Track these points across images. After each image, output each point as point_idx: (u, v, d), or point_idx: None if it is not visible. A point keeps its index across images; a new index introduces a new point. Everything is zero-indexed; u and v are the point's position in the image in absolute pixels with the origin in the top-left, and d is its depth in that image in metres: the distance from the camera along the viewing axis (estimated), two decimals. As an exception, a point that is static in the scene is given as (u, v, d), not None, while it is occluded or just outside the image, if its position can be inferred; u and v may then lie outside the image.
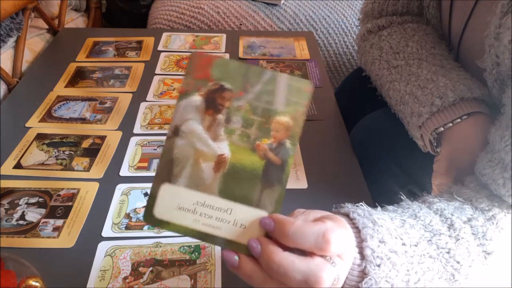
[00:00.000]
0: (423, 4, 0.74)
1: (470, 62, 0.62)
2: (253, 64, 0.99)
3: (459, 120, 0.59)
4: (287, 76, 0.41)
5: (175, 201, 0.41)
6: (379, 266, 0.42)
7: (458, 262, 0.46)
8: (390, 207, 0.49)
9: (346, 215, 0.45)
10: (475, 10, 0.61)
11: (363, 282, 0.42)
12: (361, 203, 0.47)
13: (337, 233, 0.39)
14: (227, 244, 0.40)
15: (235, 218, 0.40)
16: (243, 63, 0.42)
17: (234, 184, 0.41)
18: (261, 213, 0.40)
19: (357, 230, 0.44)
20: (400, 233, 0.45)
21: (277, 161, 0.41)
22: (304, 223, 0.39)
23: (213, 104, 0.42)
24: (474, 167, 0.54)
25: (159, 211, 0.41)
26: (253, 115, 0.42)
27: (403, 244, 0.44)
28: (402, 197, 0.52)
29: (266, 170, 0.41)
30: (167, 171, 0.41)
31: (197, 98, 0.42)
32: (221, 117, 0.42)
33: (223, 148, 0.42)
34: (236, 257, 0.39)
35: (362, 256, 0.43)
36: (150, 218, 0.41)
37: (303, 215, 0.41)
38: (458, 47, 0.67)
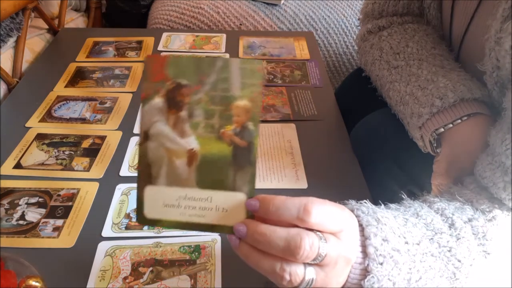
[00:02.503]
0: (423, 5, 0.74)
1: (471, 64, 0.62)
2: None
3: (459, 121, 0.58)
4: (238, 60, 0.42)
5: (160, 200, 0.44)
6: (381, 264, 0.43)
7: (459, 261, 0.46)
8: (392, 205, 0.50)
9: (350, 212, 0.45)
10: (477, 12, 0.61)
11: (365, 280, 0.42)
12: (365, 201, 0.47)
13: (319, 205, 0.39)
14: (213, 229, 0.43)
15: (216, 204, 0.43)
16: (193, 56, 0.43)
17: (208, 173, 0.43)
18: (238, 195, 0.43)
19: (361, 227, 0.44)
20: (403, 231, 0.45)
21: (244, 144, 0.43)
22: (287, 198, 0.40)
23: (174, 103, 0.43)
24: (474, 169, 0.54)
25: (149, 212, 0.44)
26: (212, 105, 0.43)
27: (406, 242, 0.44)
28: (403, 196, 0.52)
29: (235, 154, 0.43)
30: (146, 174, 0.44)
31: (158, 100, 0.43)
32: (184, 113, 0.43)
33: (191, 142, 0.44)
34: (237, 240, 0.41)
35: (365, 254, 0.43)
36: (142, 219, 0.44)
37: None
38: (459, 49, 0.67)
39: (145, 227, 0.62)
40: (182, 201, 0.43)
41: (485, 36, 0.55)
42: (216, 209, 0.43)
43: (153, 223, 0.44)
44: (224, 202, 0.43)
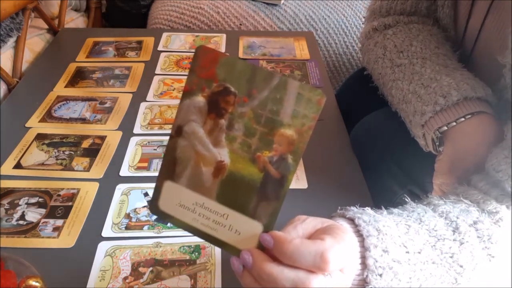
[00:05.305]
0: (436, 3, 0.73)
1: (487, 59, 0.61)
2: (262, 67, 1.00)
3: (462, 119, 0.58)
4: (298, 84, 0.38)
5: (177, 198, 0.43)
6: (381, 275, 0.42)
7: (461, 266, 0.46)
8: (395, 210, 0.49)
9: (351, 220, 0.45)
10: (494, 6, 0.60)
11: None
12: (367, 208, 0.46)
13: (335, 251, 0.39)
14: (222, 245, 0.42)
15: (230, 223, 0.41)
16: (251, 64, 0.40)
17: (231, 192, 0.41)
18: (255, 224, 0.41)
19: (361, 238, 0.43)
20: (404, 240, 0.45)
21: (276, 175, 0.40)
22: (302, 242, 0.39)
23: (216, 107, 0.40)
24: (487, 164, 0.53)
25: (163, 204, 0.43)
26: (256, 124, 0.39)
27: (407, 252, 0.44)
28: (406, 199, 0.51)
29: (264, 183, 0.40)
30: (170, 169, 0.43)
31: (200, 99, 0.41)
32: (223, 122, 0.40)
33: (223, 154, 0.41)
34: (241, 267, 0.40)
35: (364, 266, 0.43)
36: (155, 209, 0.44)
37: (303, 224, 0.42)
38: (474, 45, 0.66)
39: (145, 227, 0.62)
40: (198, 208, 0.42)
41: (507, 29, 0.54)
42: (229, 229, 0.41)
43: (164, 216, 0.43)
44: (239, 225, 0.41)
